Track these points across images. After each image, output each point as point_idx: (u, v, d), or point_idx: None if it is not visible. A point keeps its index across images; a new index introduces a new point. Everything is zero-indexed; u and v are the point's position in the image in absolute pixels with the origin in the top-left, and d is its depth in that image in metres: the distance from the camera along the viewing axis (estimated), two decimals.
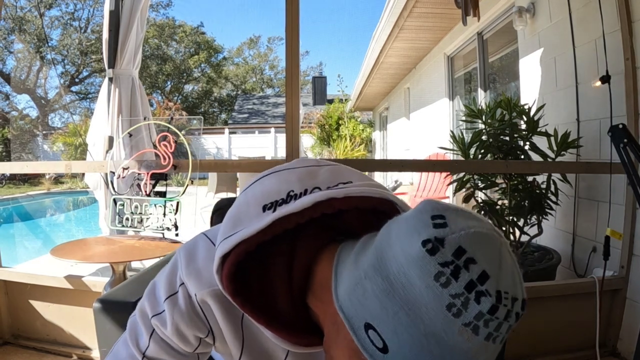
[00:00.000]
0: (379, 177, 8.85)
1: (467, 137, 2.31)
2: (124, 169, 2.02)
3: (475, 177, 2.28)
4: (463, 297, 0.37)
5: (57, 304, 2.00)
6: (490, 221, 0.43)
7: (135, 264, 2.35)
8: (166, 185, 2.05)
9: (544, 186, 2.18)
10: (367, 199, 0.54)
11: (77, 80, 19.74)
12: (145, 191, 2.01)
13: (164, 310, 0.59)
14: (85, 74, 19.85)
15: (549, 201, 2.17)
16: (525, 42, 3.00)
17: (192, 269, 0.59)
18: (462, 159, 2.30)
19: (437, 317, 0.37)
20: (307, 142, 13.69)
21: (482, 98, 4.02)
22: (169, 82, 22.61)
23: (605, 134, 1.85)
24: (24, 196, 9.89)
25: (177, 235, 1.99)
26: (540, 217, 2.19)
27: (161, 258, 1.47)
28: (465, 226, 0.39)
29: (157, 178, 2.02)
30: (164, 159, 1.98)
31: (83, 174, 3.11)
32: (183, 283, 0.59)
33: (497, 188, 2.30)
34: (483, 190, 2.40)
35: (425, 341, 0.38)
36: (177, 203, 1.99)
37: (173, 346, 0.61)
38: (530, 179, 2.21)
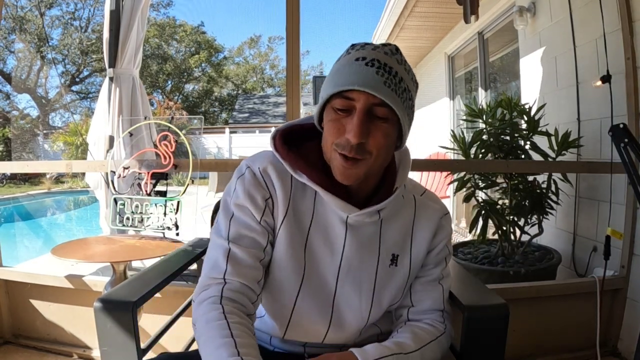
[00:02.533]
0: None
1: (468, 137, 2.31)
2: (124, 168, 2.03)
3: (476, 176, 2.28)
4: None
5: (58, 304, 2.00)
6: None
7: (135, 264, 2.34)
8: (167, 184, 2.05)
9: (544, 186, 2.18)
10: None
11: (77, 79, 19.72)
12: (146, 190, 2.01)
13: (236, 188, 0.84)
14: (85, 73, 19.83)
15: (549, 201, 2.17)
16: (526, 42, 3.00)
17: (256, 156, 0.88)
18: (463, 158, 2.29)
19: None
20: None
21: (483, 97, 4.01)
22: (169, 82, 22.56)
23: (605, 133, 1.85)
24: (24, 195, 9.89)
25: (177, 234, 2.00)
26: (541, 217, 2.19)
27: (162, 257, 1.47)
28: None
29: (158, 177, 2.03)
30: (165, 158, 1.98)
31: (83, 174, 3.12)
32: (249, 167, 0.85)
33: (497, 187, 2.30)
34: (483, 190, 2.39)
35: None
36: (178, 202, 1.99)
37: (247, 221, 0.82)
38: (530, 178, 2.21)
